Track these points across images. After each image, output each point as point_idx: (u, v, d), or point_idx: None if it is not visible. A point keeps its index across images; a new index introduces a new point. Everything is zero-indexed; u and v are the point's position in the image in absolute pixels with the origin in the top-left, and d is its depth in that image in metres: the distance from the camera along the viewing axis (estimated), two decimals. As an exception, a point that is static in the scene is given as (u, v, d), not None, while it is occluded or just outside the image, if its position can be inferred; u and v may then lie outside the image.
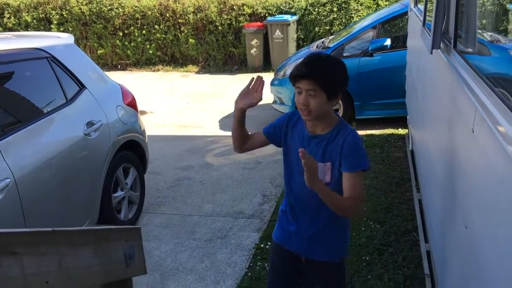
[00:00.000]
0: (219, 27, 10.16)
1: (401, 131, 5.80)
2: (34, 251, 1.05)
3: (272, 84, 6.67)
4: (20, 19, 10.90)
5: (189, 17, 10.24)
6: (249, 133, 2.12)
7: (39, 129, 3.05)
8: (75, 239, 1.19)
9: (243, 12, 10.03)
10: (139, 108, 4.33)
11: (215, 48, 10.37)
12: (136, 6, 10.46)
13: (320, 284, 2.07)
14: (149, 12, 10.38)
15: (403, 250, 3.33)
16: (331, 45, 6.40)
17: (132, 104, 4.12)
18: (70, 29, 10.61)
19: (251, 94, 2.05)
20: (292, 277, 2.13)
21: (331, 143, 1.85)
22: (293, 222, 2.03)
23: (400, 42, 6.37)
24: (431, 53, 2.38)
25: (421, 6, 3.96)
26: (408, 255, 3.27)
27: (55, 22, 10.71)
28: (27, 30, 10.77)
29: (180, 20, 10.34)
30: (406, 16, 6.15)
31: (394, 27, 8.00)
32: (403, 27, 7.59)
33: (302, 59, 1.85)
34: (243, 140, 2.11)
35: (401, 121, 5.67)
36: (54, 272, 1.11)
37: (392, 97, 5.85)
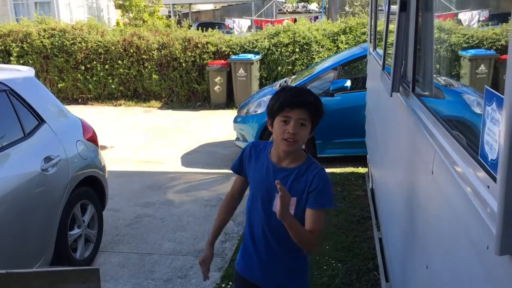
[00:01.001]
0: (183, 64, 10.23)
1: (361, 169, 5.92)
2: (-16, 295, 0.98)
3: (235, 121, 6.71)
4: (-22, 50, 10.64)
5: (153, 53, 10.27)
6: (231, 207, 2.16)
7: (-7, 163, 2.93)
8: (31, 283, 1.12)
9: (207, 50, 10.15)
10: (100, 143, 4.24)
11: (179, 84, 10.40)
12: (99, 41, 10.41)
13: None
14: (113, 47, 10.35)
15: (365, 289, 3.33)
16: (293, 85, 6.53)
17: (93, 139, 4.04)
18: (30, 61, 10.41)
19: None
20: None
21: (299, 179, 1.87)
22: (255, 253, 2.02)
23: (359, 83, 6.58)
24: (391, 96, 2.47)
25: (380, 50, 4.12)
26: (370, 294, 3.27)
27: (14, 54, 10.50)
28: (-15, 61, 10.49)
29: (144, 56, 10.36)
30: (365, 59, 6.39)
31: (354, 69, 8.29)
32: (362, 69, 7.87)
33: (284, 91, 1.89)
34: (230, 215, 2.18)
35: (361, 160, 5.79)
36: (5, 318, 1.04)
37: (353, 136, 5.98)
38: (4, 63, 10.37)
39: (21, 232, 3.02)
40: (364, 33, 9.68)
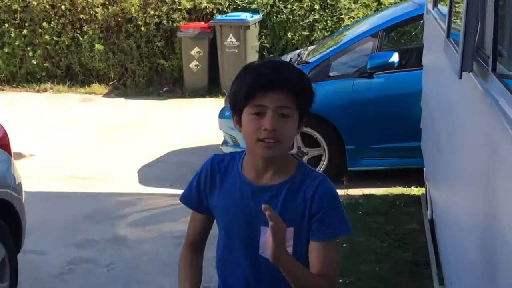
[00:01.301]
0: (142, 28, 10.24)
1: (414, 190, 5.91)
2: None
3: (222, 116, 6.67)
4: None
5: (96, 12, 10.29)
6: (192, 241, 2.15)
7: None
8: None
9: (179, 7, 10.17)
10: (14, 149, 4.24)
11: (135, 60, 10.43)
12: (14, -7, 10.45)
13: None
14: (35, 3, 10.36)
15: None
16: (311, 60, 6.54)
17: (3, 143, 4.04)
18: None
19: None
20: None
21: (292, 198, 1.87)
22: None
23: (412, 57, 6.57)
24: (460, 77, 2.46)
25: (443, 7, 4.12)
26: None
27: None
28: None
29: (82, 16, 10.38)
30: (421, 21, 6.37)
31: (403, 36, 8.28)
32: (417, 36, 7.85)
33: (250, 68, 1.89)
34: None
35: (415, 175, 5.78)
36: None
37: (401, 139, 5.97)
38: None
39: None
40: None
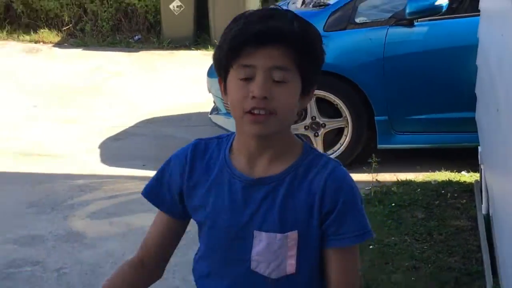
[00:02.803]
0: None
1: (466, 176, 5.92)
2: None
3: (211, 74, 6.67)
4: None
5: None
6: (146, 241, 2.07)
7: None
8: None
9: None
10: None
11: (98, -2, 10.41)
12: None
13: None
14: None
15: None
16: (331, 1, 6.51)
17: None
18: None
19: None
20: None
21: (295, 193, 1.84)
22: None
23: (465, 1, 6.54)
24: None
25: None
26: None
27: None
28: None
29: None
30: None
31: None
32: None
33: (241, 18, 1.79)
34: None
35: (468, 157, 5.78)
36: None
37: (449, 108, 5.97)
38: None
39: None
40: None
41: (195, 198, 1.91)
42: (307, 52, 1.76)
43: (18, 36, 10.52)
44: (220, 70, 1.80)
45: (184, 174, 1.92)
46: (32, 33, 10.54)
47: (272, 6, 1.85)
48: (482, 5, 5.38)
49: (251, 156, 1.85)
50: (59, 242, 5.10)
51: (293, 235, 1.80)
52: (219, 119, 6.58)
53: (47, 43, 10.35)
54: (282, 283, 1.85)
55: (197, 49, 9.78)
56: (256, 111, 1.71)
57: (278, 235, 1.81)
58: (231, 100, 1.77)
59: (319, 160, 1.85)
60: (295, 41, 1.73)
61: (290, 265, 1.82)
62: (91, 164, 6.40)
